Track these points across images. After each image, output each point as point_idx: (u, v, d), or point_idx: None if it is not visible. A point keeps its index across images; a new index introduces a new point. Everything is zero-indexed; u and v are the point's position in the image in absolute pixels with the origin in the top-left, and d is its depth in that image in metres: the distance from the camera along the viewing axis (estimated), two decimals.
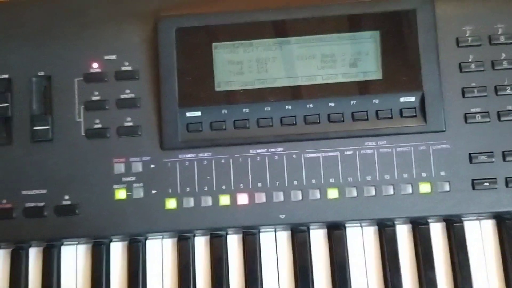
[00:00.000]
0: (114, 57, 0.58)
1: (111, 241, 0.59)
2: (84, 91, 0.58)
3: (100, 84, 0.58)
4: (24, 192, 0.57)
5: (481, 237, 0.58)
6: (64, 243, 0.59)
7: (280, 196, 0.56)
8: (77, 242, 0.59)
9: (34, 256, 0.58)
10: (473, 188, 0.56)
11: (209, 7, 0.58)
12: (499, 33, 0.57)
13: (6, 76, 0.58)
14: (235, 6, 0.58)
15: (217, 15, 0.57)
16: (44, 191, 0.57)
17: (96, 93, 0.58)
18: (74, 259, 0.58)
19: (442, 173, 0.56)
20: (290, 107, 0.57)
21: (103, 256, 0.58)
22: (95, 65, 0.58)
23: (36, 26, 0.59)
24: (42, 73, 0.58)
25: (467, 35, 0.58)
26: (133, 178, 0.57)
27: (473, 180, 0.56)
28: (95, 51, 0.58)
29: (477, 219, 0.58)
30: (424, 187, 0.56)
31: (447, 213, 0.56)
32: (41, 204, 0.57)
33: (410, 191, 0.56)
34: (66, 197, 0.57)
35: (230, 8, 0.57)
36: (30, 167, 0.57)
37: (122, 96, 0.58)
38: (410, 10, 0.56)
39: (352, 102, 0.57)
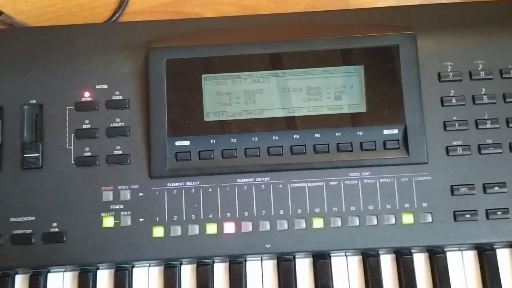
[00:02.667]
0: (105, 86, 0.59)
1: (97, 268, 0.59)
2: (75, 119, 0.59)
3: (91, 112, 0.59)
4: (12, 219, 0.57)
5: (463, 267, 0.59)
6: (51, 270, 0.59)
7: (266, 225, 0.57)
8: (63, 269, 0.59)
9: (20, 283, 0.58)
10: (455, 220, 0.57)
11: (198, 40, 0.60)
12: (479, 68, 0.60)
13: None
14: (225, 40, 0.59)
15: (206, 48, 0.59)
16: (32, 218, 0.57)
17: (87, 121, 0.59)
18: (60, 286, 0.58)
19: (425, 205, 0.57)
20: (277, 138, 0.58)
21: (90, 284, 0.58)
22: (86, 94, 0.59)
23: (28, 54, 0.60)
24: (33, 101, 0.59)
25: (448, 70, 0.59)
26: (121, 206, 0.57)
27: (454, 211, 0.57)
28: (87, 81, 0.59)
29: (459, 249, 0.59)
30: (407, 218, 0.57)
31: (429, 243, 0.57)
32: (29, 231, 0.57)
33: (393, 221, 0.57)
34: (54, 224, 0.57)
35: (219, 41, 0.59)
36: (19, 194, 0.57)
37: (112, 125, 0.59)
38: (393, 46, 0.58)
39: (337, 134, 0.58)
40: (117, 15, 0.72)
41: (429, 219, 0.57)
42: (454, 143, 0.58)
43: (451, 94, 0.59)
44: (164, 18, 0.72)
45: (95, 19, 0.72)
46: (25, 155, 0.58)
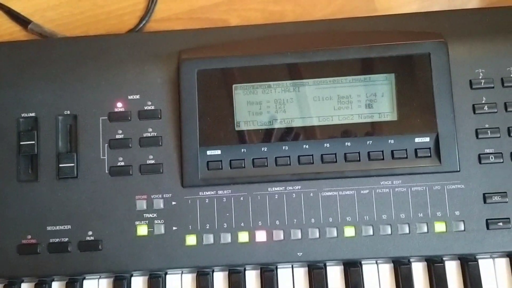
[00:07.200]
0: (137, 96, 0.60)
1: (131, 275, 0.60)
2: (108, 129, 0.60)
3: (124, 123, 0.60)
4: (49, 228, 0.58)
5: (495, 275, 0.58)
6: (86, 277, 0.60)
7: (297, 234, 0.58)
8: (98, 276, 0.60)
9: None
10: (487, 228, 0.57)
11: (228, 50, 0.60)
12: (511, 75, 0.59)
13: (33, 114, 0.60)
14: (255, 49, 0.59)
15: (237, 58, 0.59)
16: (68, 227, 0.58)
17: (120, 131, 0.60)
18: None
19: (457, 213, 0.57)
20: (307, 147, 0.59)
21: None
22: (119, 105, 0.60)
23: (62, 65, 0.61)
24: (68, 112, 0.60)
25: (480, 77, 0.59)
26: (155, 215, 0.58)
27: (487, 219, 0.57)
28: (119, 91, 0.60)
29: (491, 257, 0.59)
30: (439, 226, 0.57)
31: (462, 252, 0.57)
32: (65, 239, 0.58)
33: (426, 230, 0.57)
34: (90, 233, 0.58)
35: (249, 51, 0.59)
36: (55, 203, 0.59)
37: (145, 135, 0.60)
38: (424, 54, 0.58)
39: (368, 142, 0.58)
40: (144, 22, 0.73)
41: (462, 227, 0.57)
42: (487, 150, 0.58)
43: (483, 102, 0.59)
44: (190, 25, 0.72)
45: (123, 26, 0.73)
46: (60, 165, 0.59)
